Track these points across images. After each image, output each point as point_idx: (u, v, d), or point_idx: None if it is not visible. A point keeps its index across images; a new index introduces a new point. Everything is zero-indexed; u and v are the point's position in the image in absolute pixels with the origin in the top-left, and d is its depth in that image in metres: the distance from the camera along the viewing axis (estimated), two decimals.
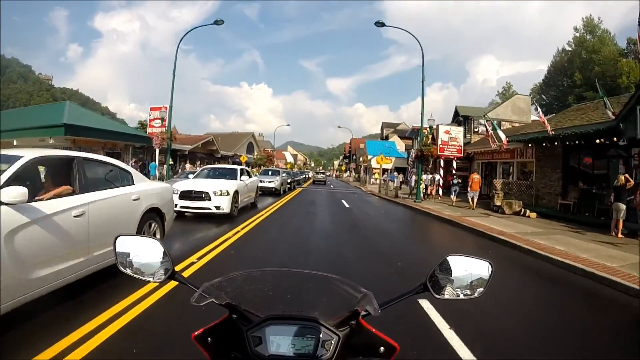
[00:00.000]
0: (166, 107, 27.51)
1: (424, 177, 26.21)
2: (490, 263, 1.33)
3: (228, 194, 12.16)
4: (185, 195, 11.87)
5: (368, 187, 41.24)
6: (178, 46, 25.33)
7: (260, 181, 20.92)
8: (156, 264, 1.38)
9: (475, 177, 20.72)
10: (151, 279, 1.38)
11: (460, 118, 38.83)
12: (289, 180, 28.71)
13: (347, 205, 20.70)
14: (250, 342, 1.10)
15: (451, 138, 25.31)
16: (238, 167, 15.56)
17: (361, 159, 67.50)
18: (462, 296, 1.31)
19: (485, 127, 24.59)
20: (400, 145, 62.49)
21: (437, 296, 1.29)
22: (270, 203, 18.54)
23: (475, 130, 36.65)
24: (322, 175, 60.34)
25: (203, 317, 1.42)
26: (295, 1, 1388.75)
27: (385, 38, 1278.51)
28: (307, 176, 59.65)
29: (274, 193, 24.42)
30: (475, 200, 19.96)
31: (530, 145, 21.80)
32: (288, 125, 75.86)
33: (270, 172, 28.29)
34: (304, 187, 37.71)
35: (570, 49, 58.76)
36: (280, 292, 1.53)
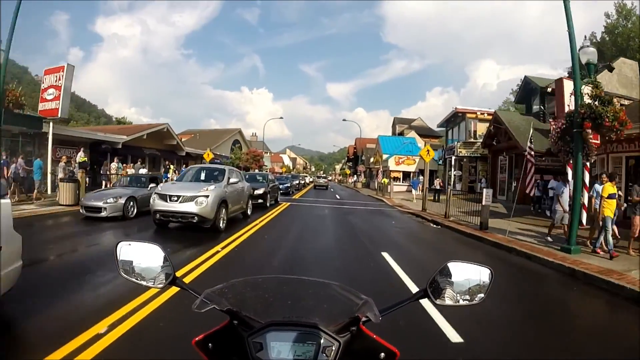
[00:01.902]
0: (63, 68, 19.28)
1: (594, 187, 10.34)
2: (490, 270, 1.31)
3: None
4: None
5: (393, 198, 28.41)
6: None
7: None
8: (157, 269, 1.38)
9: None
10: (152, 285, 1.37)
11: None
12: (259, 191, 16.53)
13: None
14: (251, 347, 1.08)
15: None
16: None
17: (372, 159, 54.72)
18: (461, 302, 1.30)
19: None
20: (419, 143, 49.82)
21: (437, 302, 1.28)
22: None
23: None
24: (323, 179, 53.29)
25: (204, 322, 1.33)
26: (295, 6, 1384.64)
27: (385, 42, 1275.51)
28: (302, 181, 47.00)
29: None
30: None
31: None
32: (281, 118, 64.56)
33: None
34: (296, 199, 25.61)
35: (599, 37, 51.24)
36: (281, 299, 1.48)
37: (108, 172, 23.33)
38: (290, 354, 1.07)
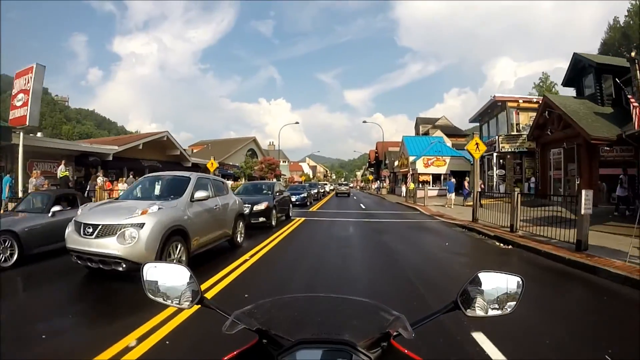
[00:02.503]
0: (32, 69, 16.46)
1: None
2: (521, 278, 1.31)
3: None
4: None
5: (428, 206, 24.10)
6: None
7: None
8: (184, 290, 1.37)
9: None
10: (180, 305, 1.38)
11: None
12: (260, 207, 12.72)
13: None
14: None
15: None
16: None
17: (396, 163, 50.61)
18: (492, 312, 1.30)
19: None
20: (447, 142, 45.49)
21: (467, 313, 1.29)
22: None
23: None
24: (345, 187, 51.34)
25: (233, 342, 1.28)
26: (308, 15, 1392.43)
27: (400, 46, 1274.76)
28: (321, 190, 41.44)
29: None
30: None
31: None
32: (297, 123, 60.78)
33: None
34: (313, 212, 21.20)
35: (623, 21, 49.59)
36: (310, 316, 1.49)
37: (96, 188, 20.07)
38: None
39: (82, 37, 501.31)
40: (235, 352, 1.19)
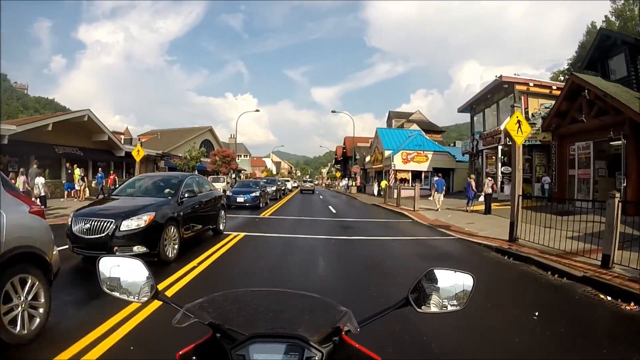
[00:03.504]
0: None
1: None
2: (472, 276, 1.31)
3: None
4: None
5: (420, 211, 17.94)
6: None
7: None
8: (140, 284, 1.35)
9: None
10: (136, 300, 1.35)
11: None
12: (138, 220, 6.85)
13: None
14: None
15: None
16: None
17: (368, 158, 45.27)
18: (450, 307, 1.31)
19: None
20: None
21: (419, 310, 1.29)
22: None
23: None
24: (309, 184, 50.57)
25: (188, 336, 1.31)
26: (280, 11, 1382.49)
27: (369, 46, 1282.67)
28: (282, 187, 35.32)
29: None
30: None
31: None
32: (257, 110, 55.05)
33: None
34: (265, 218, 15.77)
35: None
36: (263, 311, 1.47)
37: None
38: None
39: (46, 23, 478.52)
40: (189, 347, 1.16)
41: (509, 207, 10.27)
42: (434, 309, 1.30)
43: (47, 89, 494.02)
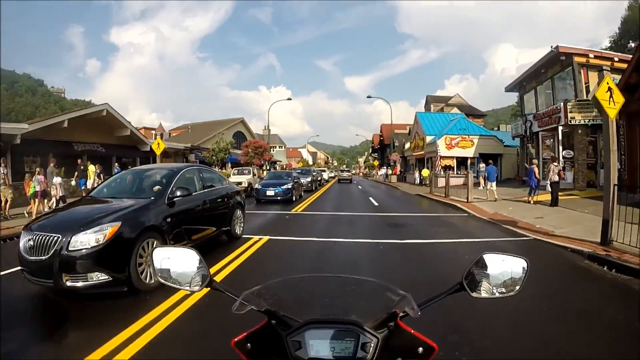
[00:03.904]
0: None
1: None
2: (526, 260, 1.27)
3: None
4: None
5: (474, 202, 15.91)
6: None
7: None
8: (194, 273, 1.36)
9: None
10: (190, 289, 1.36)
11: None
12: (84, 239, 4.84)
13: None
14: (290, 346, 1.08)
15: None
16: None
17: (407, 145, 43.08)
18: (497, 294, 1.27)
19: None
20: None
21: (473, 294, 1.26)
22: None
23: None
24: (347, 173, 50.45)
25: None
26: (307, 2, 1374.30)
27: (400, 33, 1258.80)
28: (317, 179, 32.40)
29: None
30: None
31: None
32: (289, 99, 52.72)
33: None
34: (296, 215, 13.81)
35: None
36: (319, 297, 1.47)
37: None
38: (329, 351, 1.06)
39: (79, 29, 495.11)
40: (244, 334, 1.18)
41: (576, 197, 8.32)
42: (487, 294, 1.25)
43: (84, 92, 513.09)
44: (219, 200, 7.96)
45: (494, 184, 17.21)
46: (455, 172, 28.19)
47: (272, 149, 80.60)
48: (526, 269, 1.27)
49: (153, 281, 5.15)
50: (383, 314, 1.13)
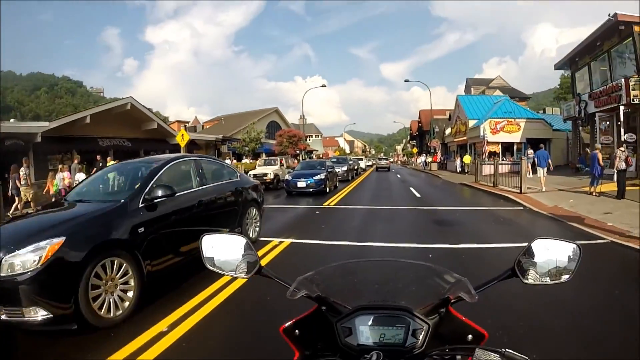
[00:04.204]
0: None
1: None
2: (578, 246, 1.21)
3: None
4: None
5: (529, 193, 13.99)
6: None
7: None
8: (243, 260, 1.34)
9: None
10: (239, 275, 1.35)
11: None
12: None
13: None
14: (340, 333, 1.07)
15: None
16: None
17: (448, 131, 41.22)
18: (549, 281, 1.22)
19: None
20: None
21: (525, 281, 1.21)
22: None
23: None
24: (384, 161, 50.65)
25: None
26: None
27: (434, 16, 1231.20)
28: (354, 167, 30.62)
29: None
30: None
31: None
32: (323, 86, 50.95)
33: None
34: (329, 209, 12.75)
35: None
36: (371, 282, 1.48)
37: (17, 182, 13.49)
38: (379, 337, 1.05)
39: (114, 30, 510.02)
40: (293, 320, 1.16)
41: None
42: (540, 280, 1.20)
43: (123, 91, 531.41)
44: (225, 198, 6.59)
45: (544, 170, 15.59)
46: (500, 159, 26.37)
47: (308, 139, 79.91)
48: (578, 254, 1.20)
49: (119, 313, 4.01)
50: (435, 300, 1.11)
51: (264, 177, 18.76)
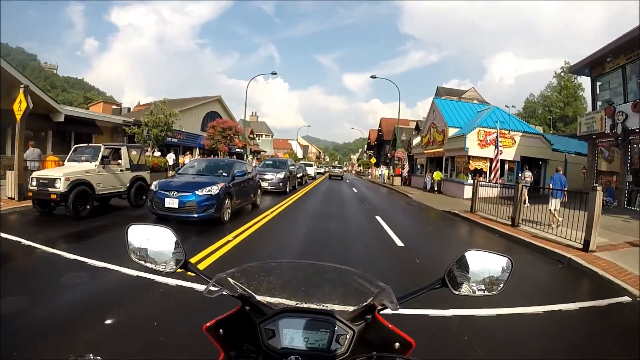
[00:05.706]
0: None
1: None
2: (509, 259, 1.22)
3: None
4: None
5: (601, 253, 7.40)
6: None
7: None
8: (168, 253, 1.28)
9: None
10: (163, 269, 1.28)
11: None
12: None
13: None
14: (263, 334, 1.05)
15: None
16: None
17: (417, 140, 34.69)
18: (479, 293, 1.22)
19: None
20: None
21: (454, 292, 1.20)
22: None
23: None
24: (338, 169, 48.79)
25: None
26: None
27: (402, 33, 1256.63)
28: (296, 174, 22.69)
29: None
30: None
31: None
32: (274, 73, 42.92)
33: None
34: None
35: None
36: (295, 284, 1.40)
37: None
38: (303, 341, 1.03)
39: (79, 7, 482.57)
40: (216, 319, 1.12)
41: None
42: (469, 291, 1.19)
43: (79, 70, 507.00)
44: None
45: (558, 202, 10.91)
46: (487, 180, 19.89)
47: (257, 137, 72.32)
48: (510, 267, 1.21)
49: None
50: (361, 306, 1.10)
51: (47, 189, 8.94)
